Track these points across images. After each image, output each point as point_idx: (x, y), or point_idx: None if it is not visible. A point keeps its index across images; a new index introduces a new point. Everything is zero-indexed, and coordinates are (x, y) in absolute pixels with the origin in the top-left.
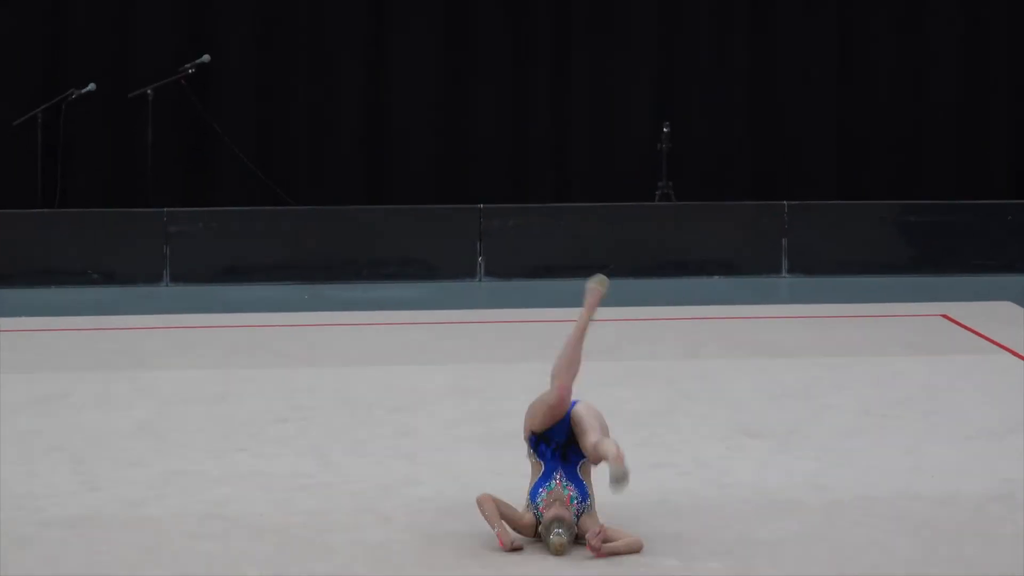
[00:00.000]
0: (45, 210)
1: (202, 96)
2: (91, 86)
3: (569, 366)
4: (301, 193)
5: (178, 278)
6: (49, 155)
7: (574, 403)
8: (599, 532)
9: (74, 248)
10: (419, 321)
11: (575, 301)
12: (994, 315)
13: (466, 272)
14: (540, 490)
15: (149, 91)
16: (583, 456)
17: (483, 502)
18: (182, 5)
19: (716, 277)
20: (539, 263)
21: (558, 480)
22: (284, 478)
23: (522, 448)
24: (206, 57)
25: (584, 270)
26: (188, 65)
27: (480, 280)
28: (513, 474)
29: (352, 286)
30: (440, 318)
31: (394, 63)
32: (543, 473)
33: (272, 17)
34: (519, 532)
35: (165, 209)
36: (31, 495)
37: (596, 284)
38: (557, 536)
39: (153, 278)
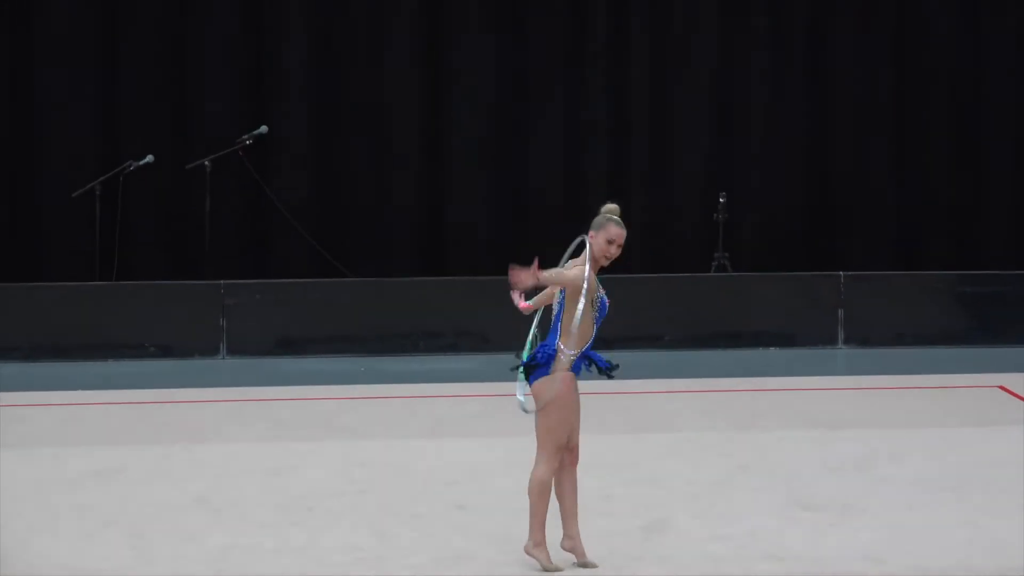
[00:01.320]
0: (102, 283)
1: (259, 167)
2: (149, 158)
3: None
4: (357, 265)
5: (235, 350)
6: (107, 227)
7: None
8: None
9: (131, 321)
10: (474, 393)
11: (631, 373)
12: None
13: (522, 345)
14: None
15: (207, 162)
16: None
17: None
18: (240, 77)
19: (772, 348)
20: (598, 334)
21: None
22: (339, 551)
23: None
24: (264, 128)
25: (640, 341)
26: (246, 136)
27: None
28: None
29: (408, 358)
30: (495, 390)
31: (450, 136)
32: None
33: (330, 89)
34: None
35: (222, 281)
36: (88, 570)
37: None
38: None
39: (210, 351)
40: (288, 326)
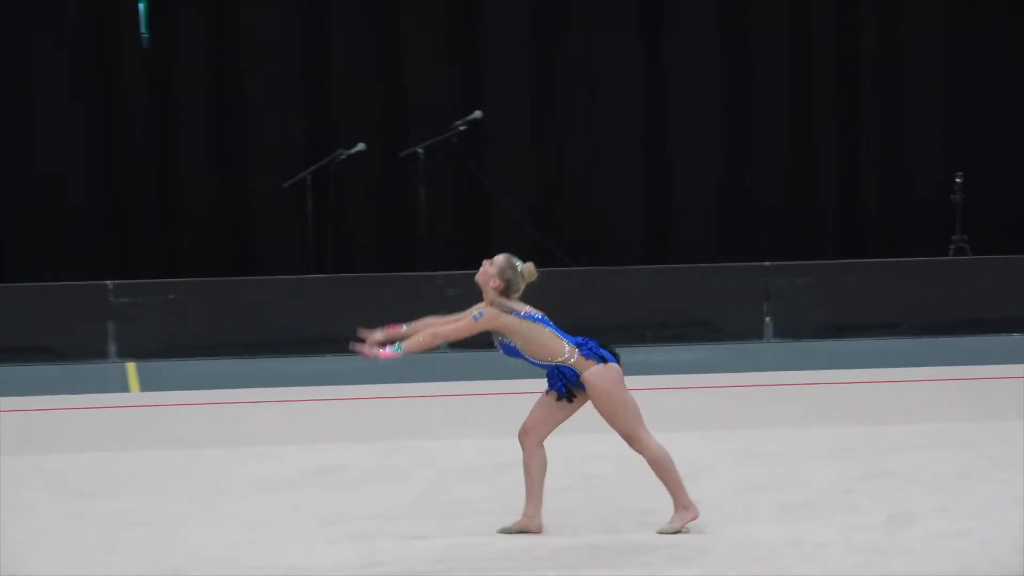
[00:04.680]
0: (317, 276)
1: (474, 153)
2: (360, 146)
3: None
4: (577, 249)
5: (454, 343)
6: (319, 217)
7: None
8: None
9: (346, 312)
10: (705, 384)
11: (865, 362)
12: None
13: (753, 333)
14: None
15: (420, 150)
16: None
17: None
18: (453, 62)
19: (1015, 335)
20: (828, 322)
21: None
22: (569, 549)
23: None
24: (478, 113)
25: (876, 329)
26: (459, 122)
27: (768, 341)
28: (808, 544)
29: (635, 349)
30: (727, 381)
31: (674, 113)
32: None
33: (545, 71)
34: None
35: (440, 273)
36: (313, 569)
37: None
38: None
39: None
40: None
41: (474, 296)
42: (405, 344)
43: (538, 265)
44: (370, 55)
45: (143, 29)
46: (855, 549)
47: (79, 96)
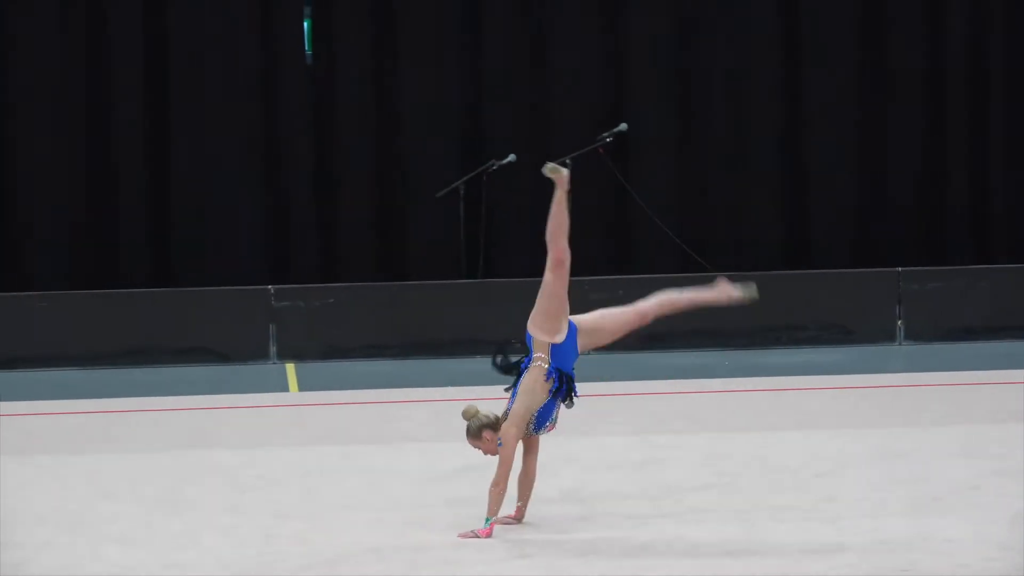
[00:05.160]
0: (469, 281)
1: (620, 164)
2: (511, 157)
3: (561, 228)
4: (719, 259)
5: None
6: (471, 225)
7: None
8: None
9: (498, 318)
10: (839, 386)
11: (994, 364)
12: None
13: (885, 336)
14: (547, 423)
15: (568, 160)
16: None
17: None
18: (599, 75)
19: None
20: (958, 325)
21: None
22: (709, 544)
23: None
24: (623, 126)
25: (1006, 332)
26: (606, 134)
27: (900, 343)
28: (937, 539)
29: (771, 352)
30: (860, 382)
31: (811, 117)
32: (548, 403)
33: (686, 84)
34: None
35: (585, 278)
36: (459, 562)
37: (551, 173)
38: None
39: None
40: (654, 322)
41: (616, 299)
42: (489, 511)
43: (678, 270)
44: (520, 66)
45: (307, 46)
46: (983, 544)
47: (243, 111)
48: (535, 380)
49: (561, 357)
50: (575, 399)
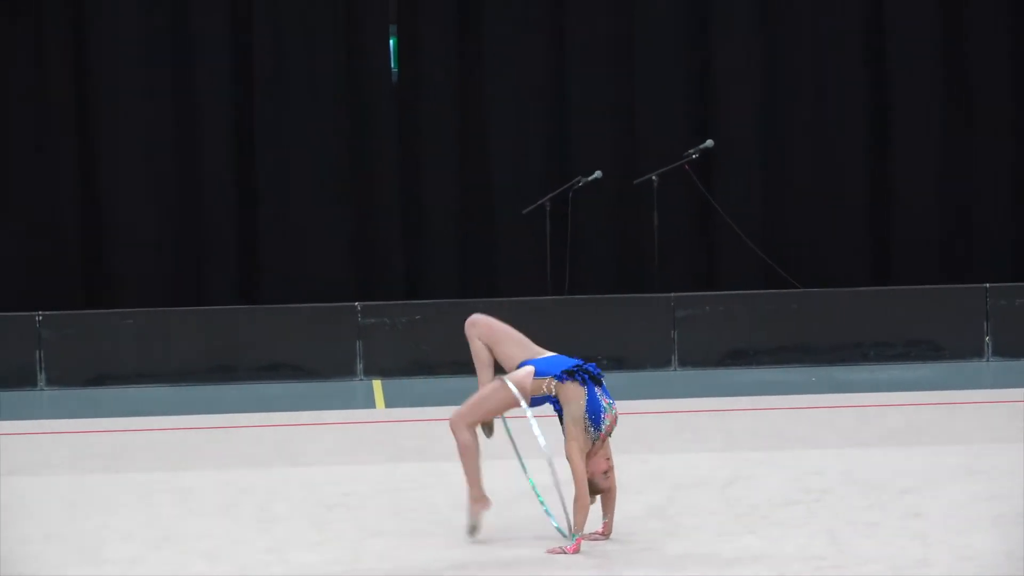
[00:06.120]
0: (555, 297)
1: (706, 181)
2: (597, 174)
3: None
4: (805, 275)
5: (685, 362)
6: (557, 242)
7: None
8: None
9: (585, 334)
10: (927, 402)
11: None
12: None
13: (973, 352)
14: (602, 416)
15: (654, 177)
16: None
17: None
18: (686, 92)
19: None
20: None
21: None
22: (798, 560)
23: None
24: (710, 142)
25: None
26: (692, 150)
27: (987, 360)
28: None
29: (858, 368)
30: (948, 398)
31: (896, 137)
32: (589, 397)
33: (773, 101)
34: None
35: (672, 294)
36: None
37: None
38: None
39: (662, 363)
40: (736, 337)
41: (702, 315)
42: (575, 527)
43: (764, 286)
44: (608, 83)
45: (393, 64)
46: None
47: (331, 129)
48: (561, 392)
49: (547, 366)
50: (599, 371)
